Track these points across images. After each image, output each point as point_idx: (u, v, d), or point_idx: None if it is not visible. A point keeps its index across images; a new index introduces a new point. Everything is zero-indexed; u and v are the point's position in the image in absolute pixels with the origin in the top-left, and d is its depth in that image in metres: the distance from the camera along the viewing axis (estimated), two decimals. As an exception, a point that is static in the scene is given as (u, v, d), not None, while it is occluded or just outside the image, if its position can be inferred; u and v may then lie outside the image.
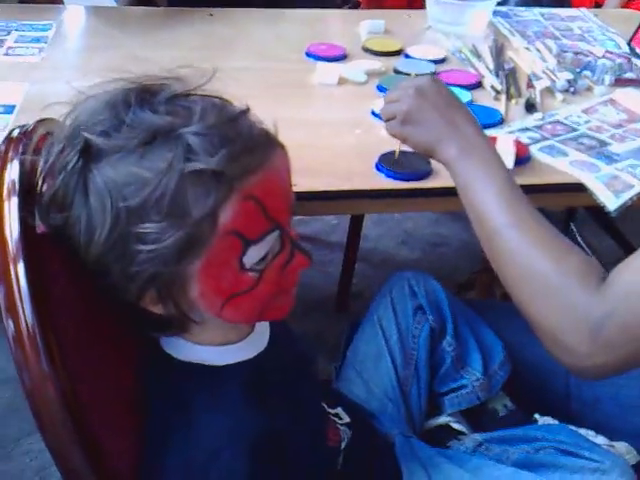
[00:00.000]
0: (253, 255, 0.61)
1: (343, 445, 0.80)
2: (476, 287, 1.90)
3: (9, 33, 1.38)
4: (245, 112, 0.62)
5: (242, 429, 0.65)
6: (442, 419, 0.99)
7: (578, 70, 1.39)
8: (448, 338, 0.99)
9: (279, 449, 0.67)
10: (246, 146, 0.58)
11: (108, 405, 0.63)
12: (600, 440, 0.94)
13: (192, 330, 0.67)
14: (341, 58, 1.40)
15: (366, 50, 1.44)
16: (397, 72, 1.36)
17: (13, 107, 1.08)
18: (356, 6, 2.22)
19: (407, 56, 1.44)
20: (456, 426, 0.98)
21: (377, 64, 1.36)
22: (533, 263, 0.71)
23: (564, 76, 1.35)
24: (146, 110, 0.58)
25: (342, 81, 1.31)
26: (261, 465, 0.64)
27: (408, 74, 1.33)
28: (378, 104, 1.20)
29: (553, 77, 1.36)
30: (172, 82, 0.62)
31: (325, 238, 2.20)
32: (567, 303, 0.68)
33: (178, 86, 0.62)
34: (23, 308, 0.55)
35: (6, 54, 1.30)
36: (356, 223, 1.88)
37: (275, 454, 0.66)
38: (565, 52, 1.49)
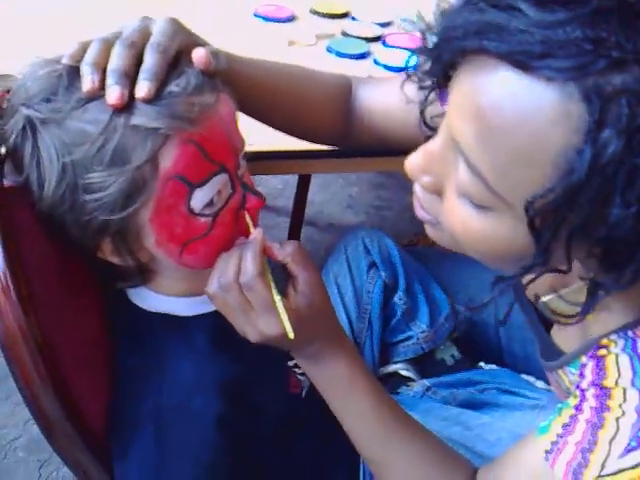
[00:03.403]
0: (200, 198, 0.62)
1: (304, 393, 0.83)
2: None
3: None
4: (189, 61, 0.62)
5: (211, 375, 0.68)
6: (392, 367, 1.04)
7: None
8: (400, 293, 1.04)
9: (244, 394, 0.71)
10: (187, 97, 0.59)
11: (79, 353, 0.65)
12: (540, 384, 1.01)
13: (156, 281, 0.70)
14: (289, 19, 1.41)
15: (314, 12, 1.45)
16: (345, 35, 1.38)
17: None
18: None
19: (354, 19, 1.46)
20: (405, 373, 1.04)
21: (326, 27, 1.38)
22: None
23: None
24: None
25: (291, 43, 1.32)
26: (229, 408, 0.68)
27: (357, 37, 1.36)
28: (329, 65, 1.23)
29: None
30: None
31: (271, 203, 2.22)
32: None
33: None
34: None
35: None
36: (303, 187, 1.91)
37: (241, 398, 0.70)
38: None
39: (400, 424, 0.72)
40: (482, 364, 1.04)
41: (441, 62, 0.52)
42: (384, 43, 1.37)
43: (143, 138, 0.58)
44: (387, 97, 0.84)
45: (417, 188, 0.58)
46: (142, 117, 0.58)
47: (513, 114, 0.45)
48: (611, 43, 0.42)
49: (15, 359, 0.57)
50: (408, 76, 0.62)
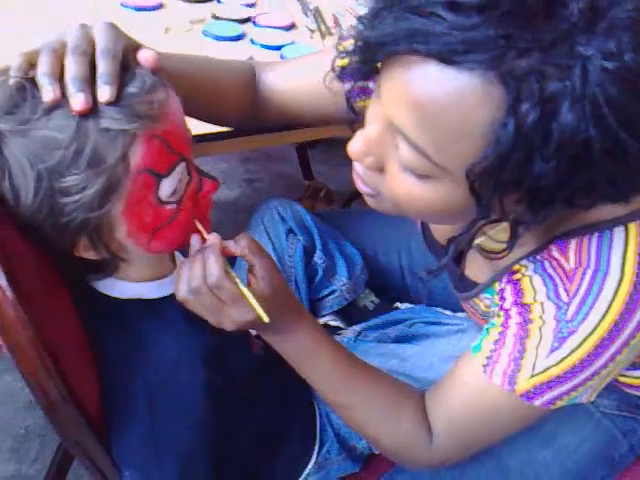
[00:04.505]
0: (166, 188, 0.68)
1: (262, 353, 0.92)
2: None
3: None
4: (135, 62, 0.67)
5: (192, 347, 0.75)
6: (322, 320, 1.15)
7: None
8: (318, 253, 1.14)
9: (222, 361, 0.78)
10: (145, 96, 0.64)
11: (68, 342, 0.70)
12: (448, 314, 1.15)
13: (122, 269, 0.75)
14: (158, 7, 1.42)
15: (180, -2, 1.48)
16: (216, 18, 1.43)
17: None
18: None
19: (219, 1, 1.50)
20: (334, 323, 1.15)
21: (196, 12, 1.42)
22: (371, 431, 0.83)
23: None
24: None
25: (167, 30, 1.35)
26: (211, 375, 0.75)
27: (228, 19, 1.42)
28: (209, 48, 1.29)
29: (354, 13, 1.51)
30: None
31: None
32: (408, 460, 0.84)
33: None
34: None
35: None
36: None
37: (221, 365, 0.78)
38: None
39: (359, 369, 0.83)
40: (398, 304, 1.18)
41: (372, 62, 0.61)
42: (255, 24, 1.43)
43: (113, 139, 0.62)
44: (291, 80, 0.92)
45: (358, 167, 0.68)
46: (110, 119, 0.62)
47: (444, 101, 0.54)
48: (517, 37, 0.52)
49: (16, 350, 0.62)
50: (334, 70, 0.71)
